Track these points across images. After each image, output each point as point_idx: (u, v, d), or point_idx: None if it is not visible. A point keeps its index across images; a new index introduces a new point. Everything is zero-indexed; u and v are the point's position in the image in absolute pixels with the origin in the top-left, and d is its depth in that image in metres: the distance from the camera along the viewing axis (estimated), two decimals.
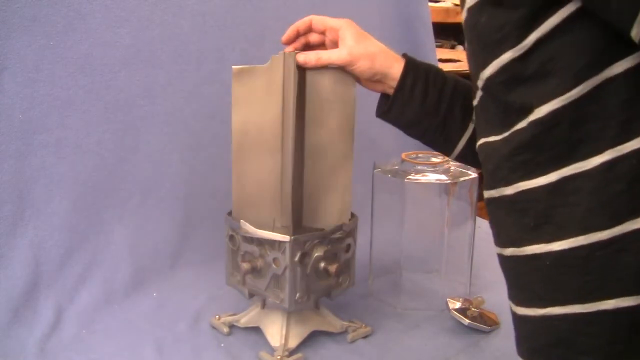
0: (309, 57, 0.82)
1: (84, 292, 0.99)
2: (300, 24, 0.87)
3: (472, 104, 0.71)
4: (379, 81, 0.83)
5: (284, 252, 0.83)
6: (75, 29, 1.01)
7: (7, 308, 0.92)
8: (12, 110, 0.96)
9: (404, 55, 0.85)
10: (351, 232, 0.89)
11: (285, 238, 0.82)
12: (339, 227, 0.86)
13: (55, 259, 0.99)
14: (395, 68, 0.82)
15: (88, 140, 1.04)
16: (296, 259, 0.83)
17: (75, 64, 1.01)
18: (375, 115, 0.86)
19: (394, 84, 0.82)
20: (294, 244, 0.82)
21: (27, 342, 0.88)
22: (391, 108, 0.83)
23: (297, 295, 0.84)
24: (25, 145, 0.98)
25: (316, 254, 0.84)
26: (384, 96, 0.86)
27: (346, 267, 0.90)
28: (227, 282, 0.92)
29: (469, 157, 0.85)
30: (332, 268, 0.85)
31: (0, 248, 0.95)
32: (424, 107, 0.82)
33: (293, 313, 0.90)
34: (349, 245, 0.89)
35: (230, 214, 0.90)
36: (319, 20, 0.86)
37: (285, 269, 0.83)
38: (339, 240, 0.87)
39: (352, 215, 0.91)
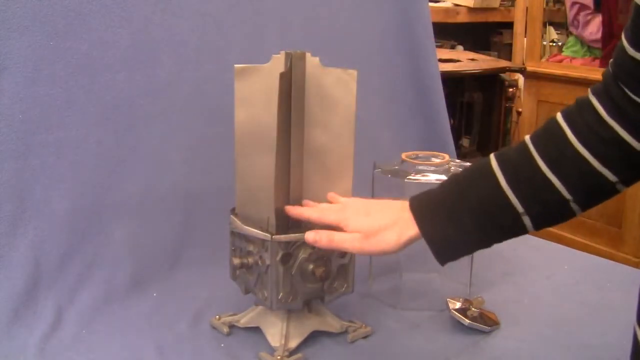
0: (320, 237, 0.79)
1: (84, 292, 0.99)
2: (299, 218, 0.83)
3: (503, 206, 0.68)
4: None
5: (267, 251, 0.83)
6: (75, 29, 1.01)
7: (7, 308, 0.92)
8: (12, 110, 0.96)
9: (411, 207, 0.75)
10: None
11: (267, 236, 0.83)
12: None
13: (55, 259, 0.99)
14: (412, 230, 0.73)
15: (88, 140, 1.04)
16: (278, 258, 0.83)
17: (75, 64, 1.01)
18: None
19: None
20: (275, 243, 0.83)
21: (27, 342, 0.88)
22: (446, 261, 0.74)
23: (280, 295, 0.85)
24: (25, 145, 0.98)
25: (302, 256, 0.85)
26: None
27: (342, 273, 0.90)
28: (230, 276, 0.93)
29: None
30: (319, 271, 0.85)
31: (0, 248, 0.95)
32: (468, 239, 0.73)
33: (293, 313, 0.90)
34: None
35: (234, 210, 0.91)
36: (318, 221, 0.81)
37: (267, 267, 0.84)
38: None
39: None
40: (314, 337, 0.91)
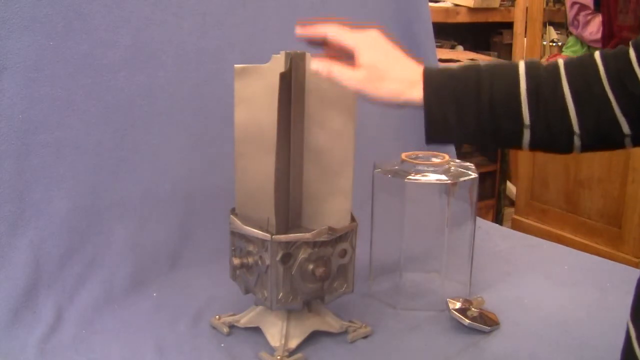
0: (321, 67, 0.75)
1: (84, 292, 0.99)
2: (314, 35, 0.79)
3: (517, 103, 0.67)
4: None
5: (267, 251, 0.84)
6: (75, 29, 1.01)
7: (7, 308, 0.92)
8: (12, 110, 0.96)
9: (424, 73, 0.73)
10: (346, 237, 0.89)
11: (267, 236, 0.83)
12: (324, 231, 0.85)
13: (55, 259, 0.99)
14: (415, 94, 0.72)
15: (88, 140, 1.04)
16: (278, 258, 0.83)
17: (75, 64, 1.01)
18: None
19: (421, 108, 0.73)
20: (275, 243, 0.83)
21: (27, 342, 0.88)
22: (433, 140, 0.74)
23: (280, 294, 0.85)
24: (25, 145, 0.98)
25: (302, 256, 0.85)
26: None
27: (341, 273, 0.90)
28: (230, 276, 0.93)
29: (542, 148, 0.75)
30: (319, 271, 0.85)
31: (0, 248, 0.95)
32: (462, 131, 0.72)
33: (293, 313, 0.90)
34: (344, 251, 0.88)
35: (234, 210, 0.91)
36: (333, 38, 0.77)
37: (267, 267, 0.84)
38: (328, 244, 0.86)
39: (353, 219, 0.90)
40: (314, 337, 0.91)
